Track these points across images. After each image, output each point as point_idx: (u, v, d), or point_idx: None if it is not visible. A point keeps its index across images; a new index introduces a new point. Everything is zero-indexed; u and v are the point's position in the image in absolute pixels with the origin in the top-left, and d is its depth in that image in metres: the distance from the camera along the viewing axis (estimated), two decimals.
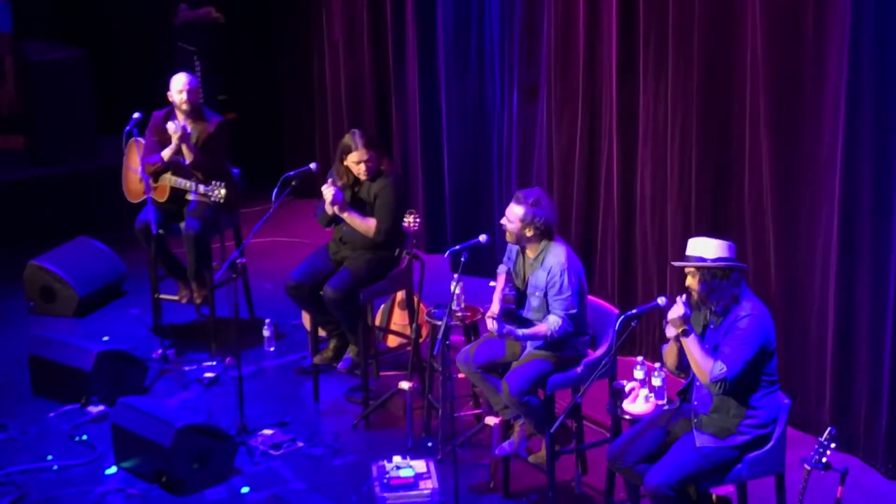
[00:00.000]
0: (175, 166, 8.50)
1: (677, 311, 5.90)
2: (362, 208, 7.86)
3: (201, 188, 8.36)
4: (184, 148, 8.42)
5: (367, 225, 7.81)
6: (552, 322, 6.72)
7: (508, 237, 6.87)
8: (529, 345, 6.88)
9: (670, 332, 5.99)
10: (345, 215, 7.81)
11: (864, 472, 7.05)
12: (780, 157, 7.31)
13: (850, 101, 6.80)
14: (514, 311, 6.93)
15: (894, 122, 6.66)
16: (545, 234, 6.81)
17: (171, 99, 8.56)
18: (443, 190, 10.04)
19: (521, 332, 6.77)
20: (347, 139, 7.84)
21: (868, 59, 6.72)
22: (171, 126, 8.38)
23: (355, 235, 7.89)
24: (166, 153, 8.47)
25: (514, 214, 6.78)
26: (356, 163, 7.78)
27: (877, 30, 6.67)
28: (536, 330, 6.77)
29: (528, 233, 6.78)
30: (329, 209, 7.82)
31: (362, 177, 7.83)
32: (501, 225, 6.85)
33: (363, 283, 7.78)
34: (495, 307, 6.94)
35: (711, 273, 5.95)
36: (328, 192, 7.76)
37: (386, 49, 10.28)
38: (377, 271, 7.86)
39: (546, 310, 6.80)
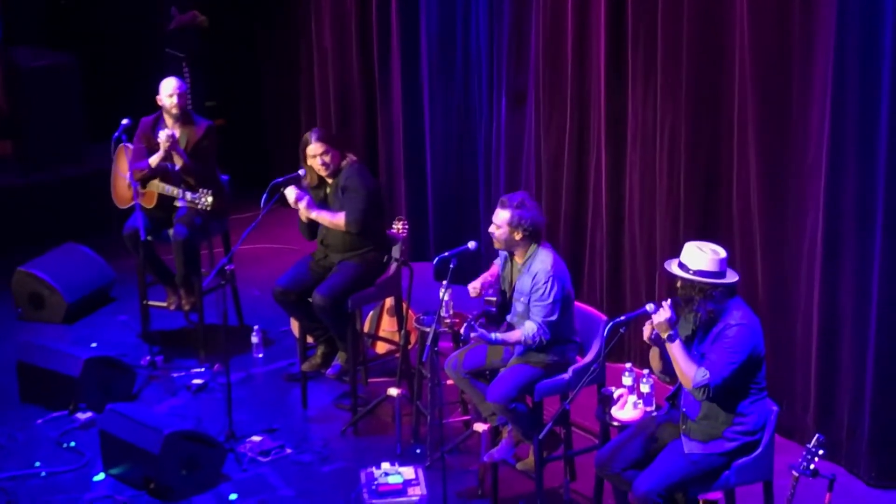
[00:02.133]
0: (163, 173, 8.49)
1: (663, 314, 5.90)
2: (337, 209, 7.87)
3: (188, 195, 8.35)
4: (174, 155, 8.42)
5: (336, 221, 7.81)
6: (528, 328, 6.73)
7: (497, 244, 6.87)
8: (515, 351, 6.88)
9: (647, 332, 5.99)
10: (313, 214, 7.82)
11: (847, 479, 7.03)
12: (767, 163, 7.33)
13: (836, 108, 6.82)
14: (494, 315, 6.93)
15: (877, 129, 6.68)
16: (533, 236, 6.81)
17: (160, 103, 8.56)
18: (426, 197, 10.04)
19: (493, 335, 6.77)
20: (306, 135, 7.87)
21: (853, 67, 6.73)
22: (162, 134, 8.38)
23: (336, 237, 7.88)
24: (154, 160, 8.45)
25: (500, 219, 6.78)
26: (313, 157, 7.79)
27: (861, 38, 6.68)
28: (509, 335, 6.77)
29: (517, 236, 6.79)
30: (303, 215, 7.83)
31: (322, 173, 7.83)
32: (490, 233, 6.85)
33: (351, 290, 7.77)
34: (476, 283, 6.94)
35: (690, 285, 5.96)
36: (290, 191, 7.78)
37: (371, 56, 10.29)
38: (365, 278, 7.86)
39: (529, 316, 6.81)
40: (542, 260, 6.79)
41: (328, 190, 7.90)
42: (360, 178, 7.81)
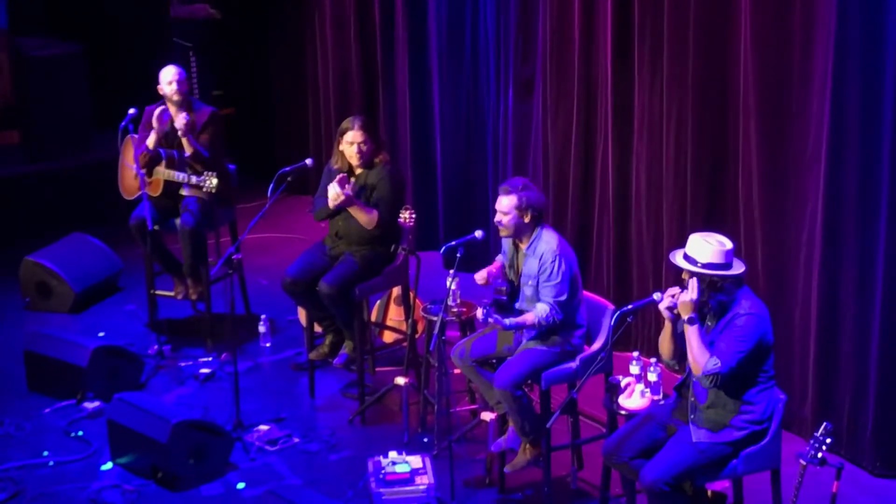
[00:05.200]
0: (169, 159, 8.49)
1: (690, 294, 5.89)
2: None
3: (193, 179, 8.36)
4: (184, 141, 8.42)
5: (369, 217, 7.79)
6: (540, 309, 6.73)
7: (504, 232, 6.87)
8: (525, 337, 6.89)
9: (667, 303, 5.96)
10: (351, 207, 7.78)
11: (850, 469, 6.96)
12: (768, 153, 7.34)
13: (836, 97, 6.81)
14: (505, 303, 6.93)
15: (881, 119, 6.66)
16: (540, 219, 6.82)
17: (161, 91, 8.56)
18: (435, 186, 10.04)
19: (507, 321, 6.77)
20: (347, 121, 7.86)
21: (853, 56, 6.72)
22: (179, 119, 8.37)
23: (351, 230, 7.88)
24: (150, 141, 8.45)
25: (507, 205, 6.78)
26: (350, 143, 7.78)
27: (862, 25, 6.67)
28: (523, 318, 6.78)
29: (526, 219, 6.79)
30: (332, 203, 7.79)
31: (354, 161, 7.81)
32: (496, 223, 6.85)
33: (359, 279, 7.78)
34: (482, 273, 6.95)
35: (699, 278, 5.95)
36: (333, 189, 7.74)
37: (376, 45, 10.28)
38: (373, 267, 7.86)
39: (539, 298, 6.80)
40: (547, 241, 6.80)
41: (353, 180, 7.88)
42: (391, 183, 7.82)
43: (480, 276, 6.97)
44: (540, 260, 6.77)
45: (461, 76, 9.71)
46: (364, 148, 7.79)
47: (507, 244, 7.03)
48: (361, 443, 7.58)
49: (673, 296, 5.97)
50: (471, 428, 7.51)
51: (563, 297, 6.75)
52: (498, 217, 6.84)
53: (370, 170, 7.86)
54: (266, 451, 7.51)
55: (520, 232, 6.84)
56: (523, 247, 6.89)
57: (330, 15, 10.73)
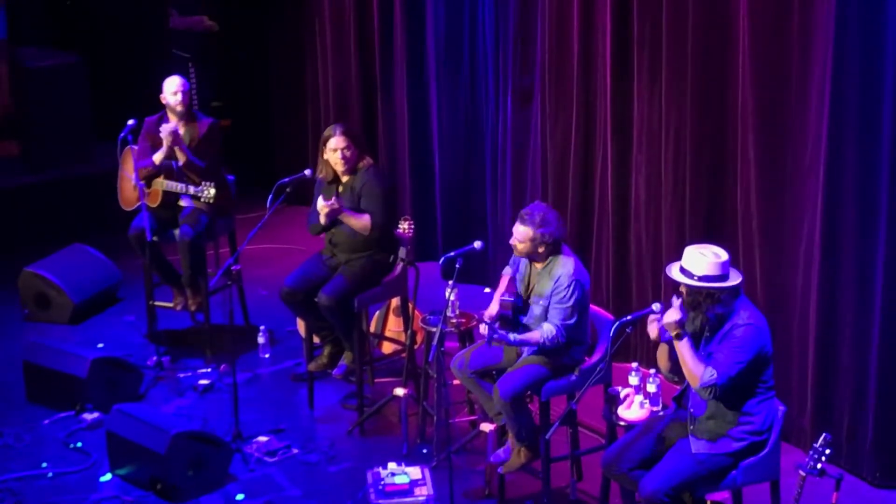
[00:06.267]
0: (167, 170, 8.49)
1: (673, 315, 5.90)
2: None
3: (191, 189, 8.37)
4: (177, 150, 8.42)
5: (362, 222, 7.79)
6: (546, 330, 6.72)
7: (518, 254, 6.87)
8: (525, 350, 6.88)
9: (652, 331, 5.98)
10: (342, 216, 7.78)
11: (850, 480, 6.95)
12: (767, 162, 7.34)
13: (834, 107, 6.81)
14: (510, 318, 6.92)
15: (878, 126, 6.66)
16: (556, 248, 6.81)
17: (164, 101, 8.57)
18: (434, 196, 10.03)
19: (513, 336, 6.76)
20: (328, 129, 7.88)
21: (851, 65, 6.72)
22: (164, 128, 8.39)
23: (346, 237, 7.88)
24: (157, 156, 8.45)
25: (522, 234, 6.77)
26: (333, 150, 7.78)
27: (860, 35, 6.68)
28: (529, 336, 6.77)
29: (540, 249, 6.78)
30: (324, 220, 7.81)
31: (339, 167, 7.81)
32: (511, 244, 6.83)
33: (357, 290, 7.77)
34: (493, 308, 6.94)
35: (696, 290, 5.95)
36: (320, 202, 7.75)
37: (375, 55, 10.29)
38: (372, 277, 7.86)
39: (546, 318, 6.80)
40: (564, 264, 6.79)
41: (340, 188, 7.89)
42: (378, 184, 7.82)
43: (490, 314, 6.94)
44: (556, 282, 6.75)
45: (460, 86, 9.71)
46: (348, 154, 7.79)
47: (516, 258, 7.01)
48: (360, 454, 7.57)
49: (658, 320, 5.96)
50: (470, 439, 7.50)
51: (571, 322, 6.74)
52: (513, 240, 6.82)
53: (355, 175, 7.86)
54: (265, 462, 7.50)
55: (533, 257, 6.85)
56: (539, 266, 6.87)
57: (329, 25, 10.73)
